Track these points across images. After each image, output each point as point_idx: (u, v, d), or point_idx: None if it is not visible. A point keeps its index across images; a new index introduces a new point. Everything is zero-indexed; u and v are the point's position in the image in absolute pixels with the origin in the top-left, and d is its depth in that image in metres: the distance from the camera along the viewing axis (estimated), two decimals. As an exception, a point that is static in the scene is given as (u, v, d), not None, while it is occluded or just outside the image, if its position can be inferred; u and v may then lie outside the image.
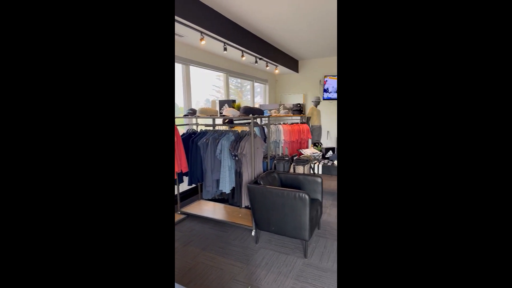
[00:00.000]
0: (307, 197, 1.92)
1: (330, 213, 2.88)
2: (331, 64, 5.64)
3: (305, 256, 2.03)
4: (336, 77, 5.48)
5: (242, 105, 2.73)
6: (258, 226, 2.23)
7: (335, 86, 5.53)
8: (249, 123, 2.49)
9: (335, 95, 5.57)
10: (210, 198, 2.83)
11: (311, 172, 3.33)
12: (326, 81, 5.58)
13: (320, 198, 2.43)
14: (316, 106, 5.29)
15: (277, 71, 5.33)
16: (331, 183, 4.08)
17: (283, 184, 2.56)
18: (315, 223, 2.19)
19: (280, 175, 2.59)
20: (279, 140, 4.51)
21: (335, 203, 3.20)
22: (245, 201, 2.50)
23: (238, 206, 2.75)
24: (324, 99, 5.67)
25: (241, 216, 2.68)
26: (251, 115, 2.47)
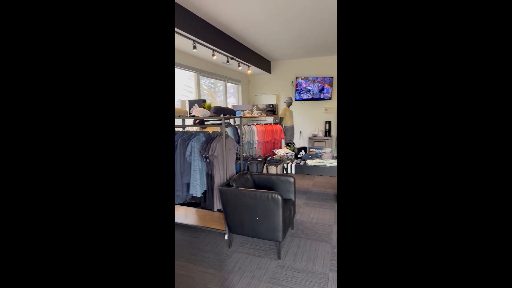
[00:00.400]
0: (279, 197, 1.91)
1: (303, 212, 2.91)
2: (303, 65, 5.76)
3: (279, 257, 2.01)
4: (306, 78, 5.61)
5: (215, 105, 2.65)
6: (231, 230, 2.17)
7: (306, 87, 5.65)
8: (220, 123, 2.42)
9: (306, 96, 5.70)
10: (181, 202, 2.70)
11: (284, 172, 3.35)
12: (298, 82, 5.68)
13: (293, 198, 2.43)
14: (288, 106, 5.36)
15: (249, 72, 5.30)
16: (304, 182, 4.15)
17: (257, 185, 2.52)
18: (288, 223, 2.18)
19: (253, 176, 2.56)
20: (253, 141, 4.48)
21: (308, 202, 3.25)
22: (217, 205, 2.42)
23: (211, 209, 2.65)
24: (296, 99, 5.77)
25: (214, 220, 2.59)
26: (222, 115, 2.39)
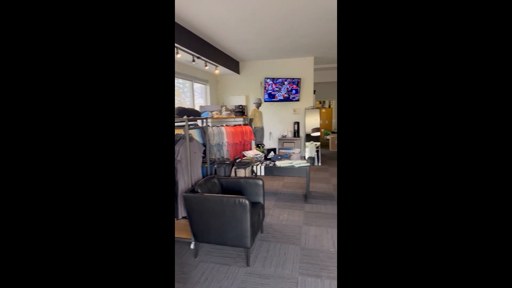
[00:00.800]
0: (247, 202, 1.83)
1: (272, 215, 2.88)
2: (272, 66, 5.78)
3: (248, 264, 1.94)
4: (275, 79, 5.64)
5: (178, 106, 2.49)
6: (197, 238, 2.04)
7: (275, 88, 5.68)
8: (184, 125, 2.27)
9: (275, 97, 5.72)
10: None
11: (253, 174, 3.29)
12: (267, 83, 5.69)
13: (262, 201, 2.38)
14: (258, 107, 5.33)
15: (217, 71, 5.17)
16: (274, 183, 4.14)
17: (224, 190, 2.42)
18: (257, 227, 2.12)
19: (220, 180, 2.45)
20: (222, 143, 4.36)
21: (278, 203, 3.23)
22: (182, 212, 2.27)
23: (175, 217, 2.49)
24: (265, 100, 5.77)
25: (179, 228, 2.43)
26: (185, 117, 2.25)
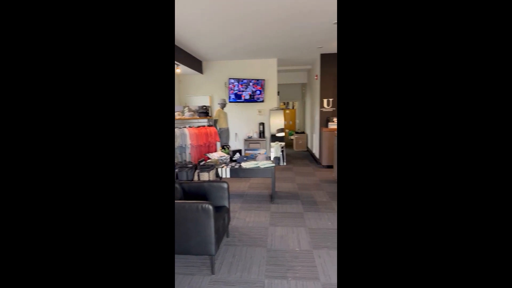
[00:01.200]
0: (210, 207, 1.75)
1: (239, 218, 2.83)
2: (236, 67, 5.73)
3: (213, 272, 1.86)
4: (240, 79, 5.60)
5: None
6: (157, 249, 1.89)
7: (240, 88, 5.65)
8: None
9: (240, 97, 5.69)
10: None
11: (218, 177, 3.20)
12: (232, 83, 5.62)
13: (227, 205, 2.32)
14: (222, 108, 5.24)
15: (178, 71, 4.94)
16: (240, 185, 4.10)
17: (187, 195, 2.30)
18: (222, 232, 2.05)
19: (182, 185, 2.32)
20: (185, 145, 4.17)
21: (244, 205, 3.19)
22: (140, 221, 2.09)
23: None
24: (230, 101, 5.70)
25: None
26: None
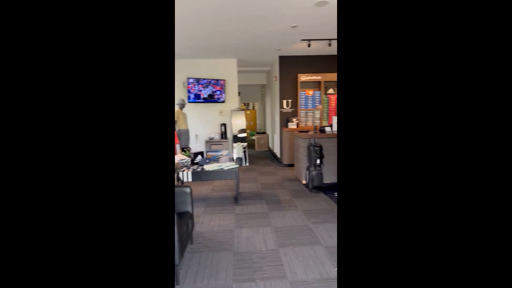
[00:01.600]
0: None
1: (203, 222, 2.73)
2: (194, 66, 5.54)
3: (177, 282, 1.75)
4: (199, 79, 5.43)
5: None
6: (111, 266, 1.70)
7: (200, 88, 5.48)
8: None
9: (200, 98, 5.52)
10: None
11: (179, 182, 3.04)
12: (191, 83, 5.42)
13: (190, 210, 2.21)
14: (181, 108, 5.01)
15: (132, 68, 4.57)
16: (203, 188, 3.97)
17: (145, 203, 2.12)
18: (186, 240, 1.94)
19: (140, 193, 2.14)
20: (141, 148, 3.87)
21: (208, 209, 3.10)
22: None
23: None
24: (189, 101, 5.48)
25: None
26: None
